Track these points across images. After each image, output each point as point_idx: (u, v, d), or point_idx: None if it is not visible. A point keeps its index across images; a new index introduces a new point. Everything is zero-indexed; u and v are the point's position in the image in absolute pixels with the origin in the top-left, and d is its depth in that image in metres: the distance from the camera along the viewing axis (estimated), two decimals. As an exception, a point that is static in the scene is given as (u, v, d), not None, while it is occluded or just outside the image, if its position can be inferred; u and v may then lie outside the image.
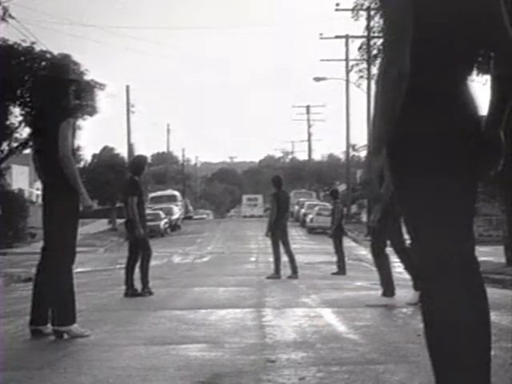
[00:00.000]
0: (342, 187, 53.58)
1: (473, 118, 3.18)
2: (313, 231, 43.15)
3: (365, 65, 33.06)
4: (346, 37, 45.14)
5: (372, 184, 3.10)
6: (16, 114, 29.90)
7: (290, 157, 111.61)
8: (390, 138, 3.08)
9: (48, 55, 29.14)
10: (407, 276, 9.53)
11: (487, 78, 17.54)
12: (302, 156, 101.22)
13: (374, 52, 27.95)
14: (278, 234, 16.05)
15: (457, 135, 3.11)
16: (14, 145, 30.79)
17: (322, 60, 55.82)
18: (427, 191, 3.11)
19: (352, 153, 62.81)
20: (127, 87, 57.30)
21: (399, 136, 3.09)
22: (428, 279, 3.13)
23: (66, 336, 6.76)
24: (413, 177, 3.12)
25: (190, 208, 69.92)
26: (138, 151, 54.12)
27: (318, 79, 49.82)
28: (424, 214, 3.13)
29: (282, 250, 16.03)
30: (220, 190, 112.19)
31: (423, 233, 3.15)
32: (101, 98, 33.03)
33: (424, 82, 3.10)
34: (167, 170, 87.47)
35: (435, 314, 3.09)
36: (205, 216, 76.88)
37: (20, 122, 29.91)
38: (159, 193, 59.18)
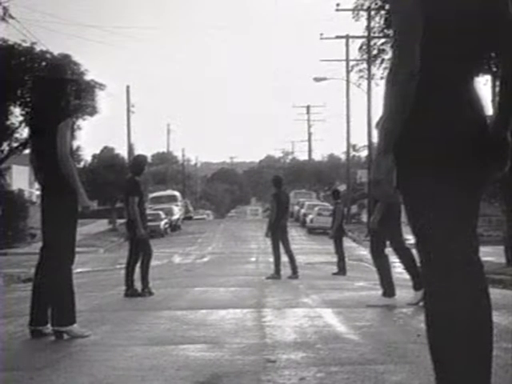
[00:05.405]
0: (342, 187, 53.57)
1: (480, 119, 3.17)
2: (313, 231, 43.14)
3: (365, 65, 33.11)
4: (347, 37, 45.13)
5: (380, 184, 3.09)
6: (16, 115, 29.99)
7: (290, 157, 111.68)
8: (398, 137, 3.08)
9: (48, 55, 29.21)
10: (407, 276, 9.52)
11: (487, 78, 17.56)
12: (302, 156, 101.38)
13: (375, 52, 27.97)
14: (278, 234, 16.05)
15: (464, 136, 3.10)
16: (15, 145, 30.85)
17: (322, 60, 55.92)
18: (433, 191, 3.10)
19: (352, 153, 62.87)
20: (127, 87, 57.28)
21: (406, 135, 3.09)
22: (431, 279, 3.13)
23: (65, 336, 6.76)
24: (419, 176, 3.11)
25: (191, 208, 69.86)
26: (137, 151, 54.16)
27: (318, 79, 49.81)
28: (429, 214, 3.12)
29: (282, 250, 16.03)
30: (220, 190, 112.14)
31: (428, 233, 3.14)
32: (101, 98, 32.96)
33: (432, 81, 3.10)
34: (167, 170, 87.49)
35: (438, 314, 3.09)
36: (205, 216, 76.85)
37: (20, 123, 29.96)
38: (159, 193, 59.15)
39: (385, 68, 25.00)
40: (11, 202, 31.20)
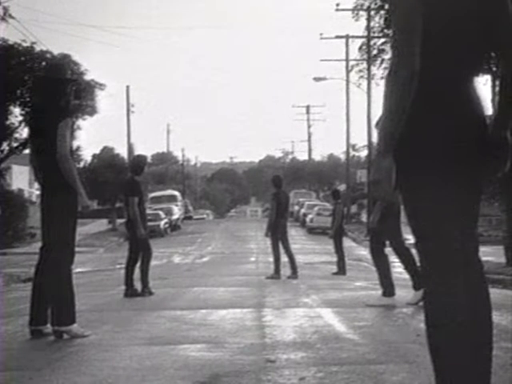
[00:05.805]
0: (342, 187, 53.59)
1: (480, 119, 3.17)
2: (312, 231, 43.14)
3: (365, 65, 33.10)
4: (346, 37, 45.13)
5: (380, 184, 3.09)
6: (16, 114, 29.96)
7: (290, 157, 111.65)
8: (398, 137, 3.08)
9: (48, 55, 29.20)
10: (407, 276, 9.52)
11: (487, 78, 17.55)
12: (302, 156, 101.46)
13: (375, 52, 27.98)
14: (277, 234, 16.05)
15: (464, 135, 3.10)
16: (14, 145, 30.82)
17: (322, 60, 55.70)
18: (433, 191, 3.10)
19: (352, 153, 62.84)
20: (127, 87, 57.29)
21: (406, 135, 3.09)
22: (431, 279, 3.13)
23: (65, 336, 6.76)
24: (419, 176, 3.11)
25: (190, 208, 69.86)
26: (137, 151, 54.20)
27: (318, 79, 49.83)
28: (429, 213, 3.12)
29: (281, 250, 16.02)
30: (220, 190, 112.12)
31: (427, 232, 3.14)
32: (101, 98, 33.00)
33: (432, 81, 3.10)
34: (167, 170, 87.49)
35: (438, 313, 3.09)
36: (205, 216, 76.83)
37: (20, 122, 29.94)
38: (159, 193, 59.14)
39: (385, 68, 24.99)
40: (11, 201, 31.20)
